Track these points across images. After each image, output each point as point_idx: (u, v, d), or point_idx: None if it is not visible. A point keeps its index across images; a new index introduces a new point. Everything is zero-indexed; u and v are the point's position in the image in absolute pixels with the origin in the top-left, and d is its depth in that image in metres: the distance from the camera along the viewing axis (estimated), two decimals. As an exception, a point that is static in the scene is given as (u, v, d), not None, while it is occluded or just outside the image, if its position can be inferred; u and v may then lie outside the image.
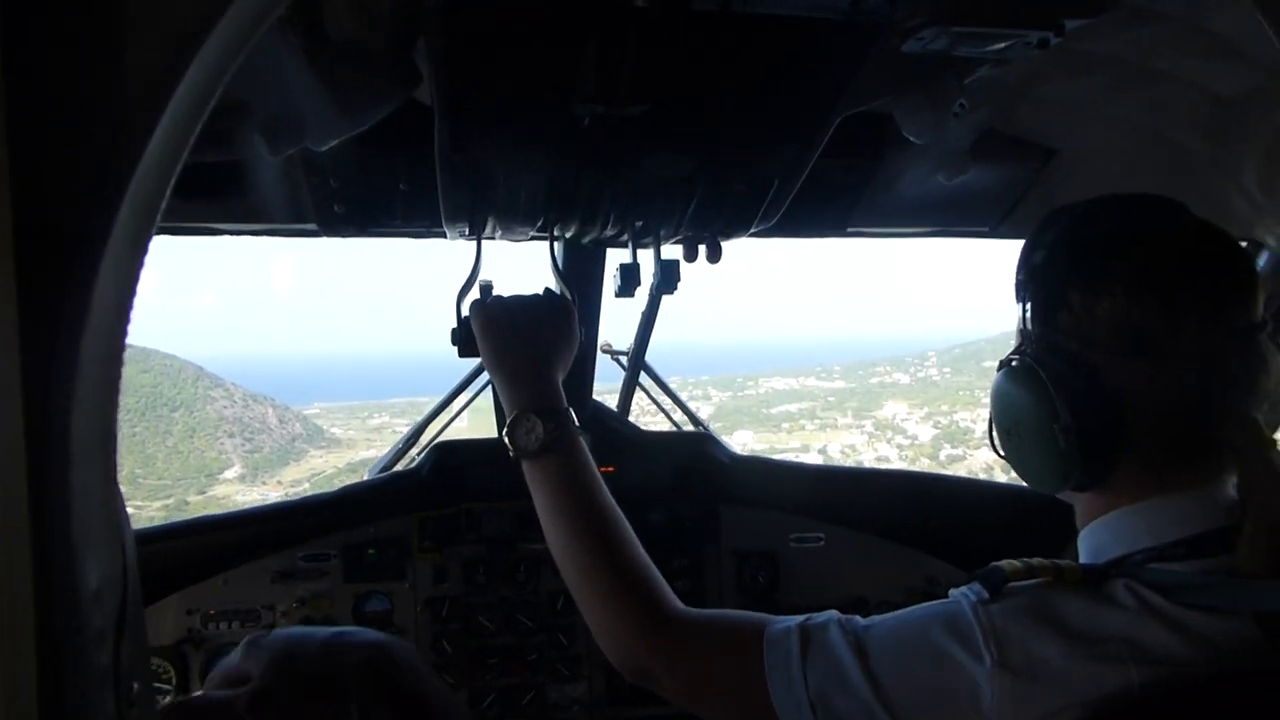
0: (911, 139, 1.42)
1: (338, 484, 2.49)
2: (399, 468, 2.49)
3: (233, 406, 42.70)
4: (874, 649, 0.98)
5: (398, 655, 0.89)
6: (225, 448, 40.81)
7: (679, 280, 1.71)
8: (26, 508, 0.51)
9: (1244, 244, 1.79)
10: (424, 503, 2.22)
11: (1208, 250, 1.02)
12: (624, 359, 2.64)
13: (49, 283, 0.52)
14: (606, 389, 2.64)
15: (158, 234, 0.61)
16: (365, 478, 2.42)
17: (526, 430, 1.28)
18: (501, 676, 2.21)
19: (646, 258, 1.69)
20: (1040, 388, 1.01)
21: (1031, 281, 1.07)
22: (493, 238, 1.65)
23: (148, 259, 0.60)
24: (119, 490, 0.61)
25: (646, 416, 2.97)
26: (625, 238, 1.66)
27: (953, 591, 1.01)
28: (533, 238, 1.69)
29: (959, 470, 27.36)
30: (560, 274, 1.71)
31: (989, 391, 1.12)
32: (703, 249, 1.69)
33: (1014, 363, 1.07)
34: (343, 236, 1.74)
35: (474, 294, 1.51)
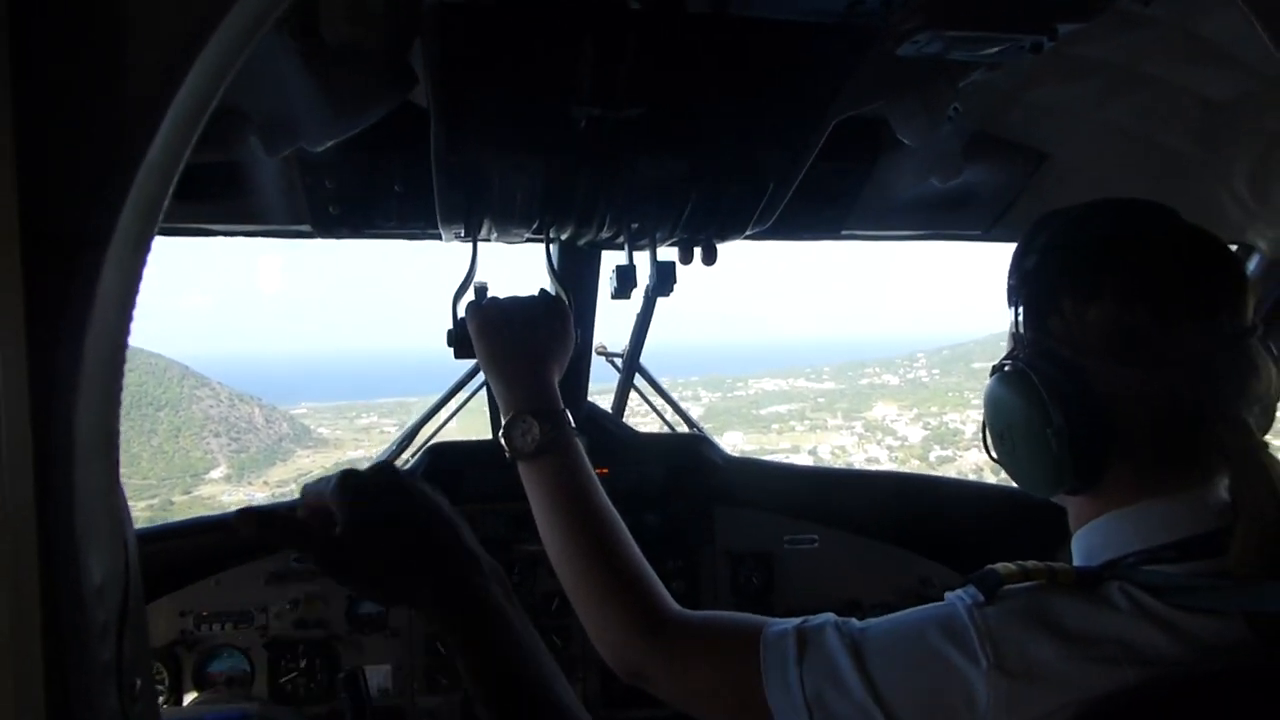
0: (906, 142, 1.42)
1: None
2: None
3: (219, 406, 42.43)
4: (870, 652, 0.98)
5: None
6: (211, 447, 40.56)
7: (674, 283, 1.70)
8: (33, 504, 0.51)
9: (1235, 248, 1.80)
10: None
11: (1199, 255, 1.02)
12: (618, 361, 2.65)
13: (53, 283, 0.52)
14: (600, 390, 2.64)
15: (154, 234, 0.61)
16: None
17: (523, 432, 1.27)
18: None
19: (642, 260, 1.69)
20: (1033, 392, 1.01)
21: (1024, 286, 1.07)
22: (488, 239, 1.64)
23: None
24: (121, 488, 0.61)
25: (639, 418, 2.97)
26: (621, 240, 1.66)
27: (948, 594, 1.01)
28: (528, 240, 1.69)
29: (949, 471, 27.46)
30: (556, 276, 1.70)
31: (979, 393, 1.12)
32: (698, 251, 1.70)
33: (1007, 368, 1.07)
34: (338, 238, 1.73)
35: (470, 296, 1.51)
